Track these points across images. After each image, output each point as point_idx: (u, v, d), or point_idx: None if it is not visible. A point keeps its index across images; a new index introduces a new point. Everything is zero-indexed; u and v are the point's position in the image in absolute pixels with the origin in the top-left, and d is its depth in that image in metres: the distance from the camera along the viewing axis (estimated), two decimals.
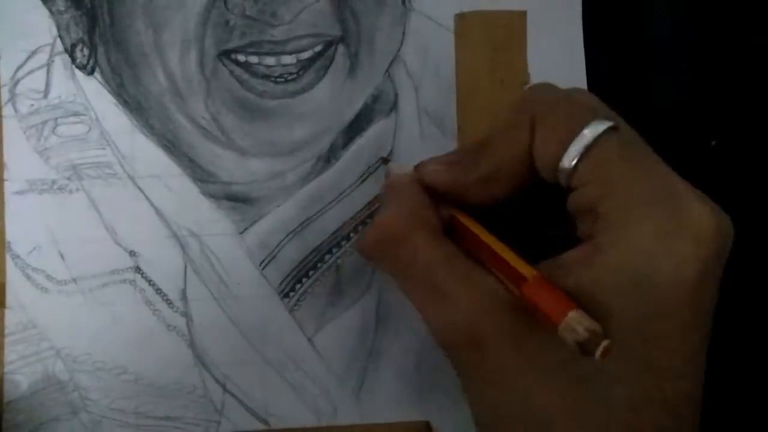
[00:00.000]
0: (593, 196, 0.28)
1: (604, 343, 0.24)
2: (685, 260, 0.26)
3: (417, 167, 0.34)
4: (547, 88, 0.32)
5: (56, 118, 0.39)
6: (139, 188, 0.38)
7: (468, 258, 0.30)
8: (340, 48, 0.39)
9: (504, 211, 0.32)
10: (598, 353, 0.23)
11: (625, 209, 0.27)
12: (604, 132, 0.28)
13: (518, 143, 0.30)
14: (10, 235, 0.38)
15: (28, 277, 0.38)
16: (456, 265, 0.29)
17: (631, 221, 0.27)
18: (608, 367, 0.26)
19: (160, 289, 0.38)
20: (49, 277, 0.38)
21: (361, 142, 0.39)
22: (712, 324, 0.27)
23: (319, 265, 0.39)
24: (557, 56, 0.40)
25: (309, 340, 0.38)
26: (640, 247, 0.26)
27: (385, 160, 0.39)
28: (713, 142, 0.39)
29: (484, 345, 0.28)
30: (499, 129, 0.32)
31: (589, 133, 0.28)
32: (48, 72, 0.39)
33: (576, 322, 0.24)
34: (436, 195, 0.32)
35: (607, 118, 0.29)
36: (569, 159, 0.28)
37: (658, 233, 0.26)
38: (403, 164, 0.35)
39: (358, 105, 0.39)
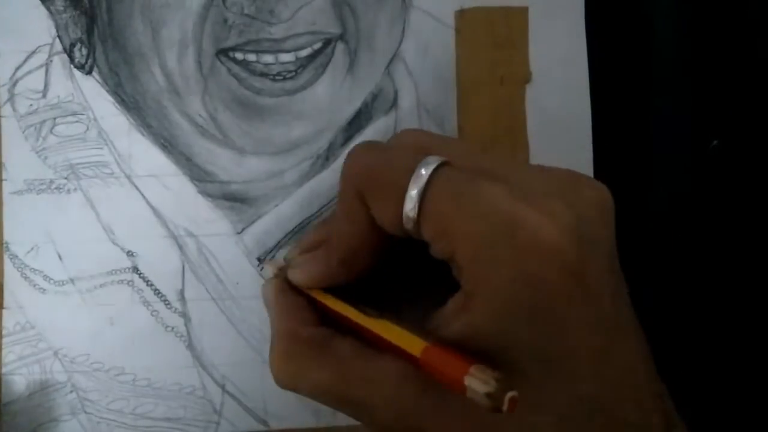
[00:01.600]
0: (444, 250, 0.27)
1: (509, 395, 0.23)
2: (546, 282, 0.25)
3: (284, 267, 0.33)
4: (361, 153, 0.30)
5: (54, 118, 0.38)
6: (137, 188, 0.38)
7: (362, 348, 0.29)
8: (339, 45, 0.39)
9: (381, 273, 0.31)
10: (504, 407, 0.23)
11: (474, 256, 0.26)
12: (434, 173, 0.27)
13: (359, 220, 0.29)
14: (7, 235, 0.38)
15: (26, 278, 0.38)
16: (350, 368, 0.28)
17: (483, 266, 0.26)
18: (530, 398, 0.25)
19: (158, 290, 0.38)
20: (46, 278, 0.38)
21: (360, 141, 0.39)
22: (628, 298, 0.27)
23: None
24: (559, 53, 0.40)
25: None
26: (499, 287, 0.26)
27: (260, 260, 0.38)
28: (714, 143, 0.39)
29: (420, 429, 0.27)
30: (338, 213, 0.31)
31: (414, 192, 0.27)
32: (46, 72, 0.39)
33: (478, 378, 0.23)
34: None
35: (434, 153, 0.28)
36: (409, 218, 0.27)
37: (511, 269, 0.25)
38: (277, 260, 0.35)
39: (357, 103, 0.39)
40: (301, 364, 0.29)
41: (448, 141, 0.31)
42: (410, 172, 0.27)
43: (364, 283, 0.31)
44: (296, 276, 0.32)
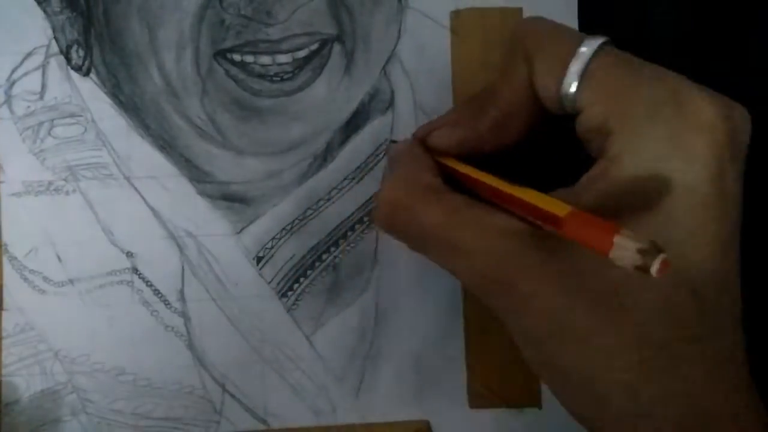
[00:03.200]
0: (600, 113, 0.28)
1: (660, 257, 0.23)
2: (696, 153, 0.26)
3: (417, 134, 0.34)
4: (536, 19, 0.32)
5: (52, 120, 0.38)
6: (136, 189, 0.38)
7: (476, 203, 0.30)
8: (336, 46, 0.39)
9: (511, 155, 0.32)
10: (654, 270, 0.23)
11: (633, 118, 0.27)
12: (600, 48, 0.28)
13: (519, 80, 0.31)
14: (6, 237, 0.38)
15: (26, 279, 0.38)
16: (463, 216, 0.29)
17: (639, 128, 0.27)
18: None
19: (158, 290, 0.38)
20: (46, 279, 0.38)
21: (357, 141, 0.39)
22: (740, 225, 0.28)
23: (316, 264, 0.39)
24: None
25: (307, 339, 0.38)
26: (653, 150, 0.27)
27: (393, 142, 0.39)
28: None
29: (510, 282, 0.28)
30: (499, 73, 0.32)
31: (586, 50, 0.28)
32: (43, 73, 0.39)
33: (625, 246, 0.23)
34: (444, 155, 0.33)
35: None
36: (570, 81, 0.28)
37: (668, 133, 0.27)
38: (406, 139, 0.36)
39: (354, 103, 0.39)
40: (416, 202, 0.30)
41: None
42: (578, 42, 0.29)
43: (493, 164, 0.31)
44: (442, 138, 0.33)
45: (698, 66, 0.40)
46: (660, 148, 0.27)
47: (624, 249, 0.23)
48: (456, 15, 0.40)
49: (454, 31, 0.40)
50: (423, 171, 0.32)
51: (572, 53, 0.29)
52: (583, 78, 0.28)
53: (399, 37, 0.40)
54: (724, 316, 0.27)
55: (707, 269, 0.27)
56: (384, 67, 0.40)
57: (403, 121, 0.39)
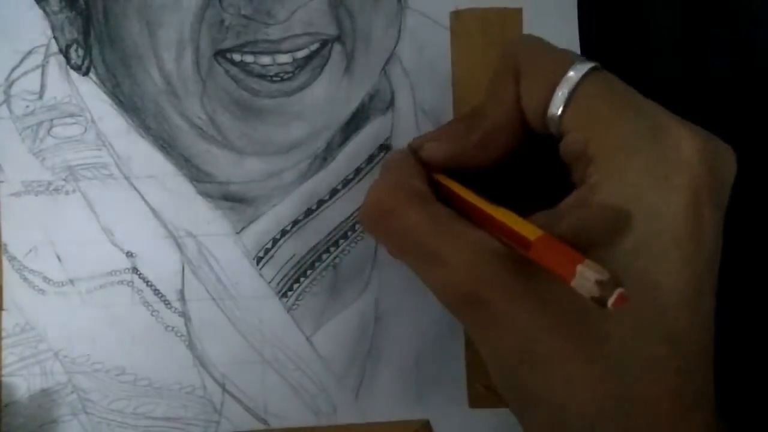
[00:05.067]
0: (583, 139, 0.28)
1: (617, 291, 0.23)
2: (673, 188, 0.26)
3: (411, 144, 0.34)
4: (529, 38, 0.32)
5: (52, 119, 0.38)
6: (136, 189, 0.38)
7: (459, 217, 0.30)
8: (336, 46, 0.39)
9: (499, 173, 0.32)
10: (610, 303, 0.23)
11: (614, 148, 0.27)
12: (588, 73, 0.28)
13: (507, 98, 0.31)
14: (6, 237, 0.38)
15: (25, 279, 0.38)
16: (445, 226, 0.29)
17: (619, 158, 0.27)
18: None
19: (158, 290, 0.38)
20: (46, 279, 0.38)
21: (357, 141, 0.39)
22: (719, 263, 0.28)
23: (316, 264, 0.39)
24: None
25: (308, 339, 0.38)
26: (630, 180, 0.27)
27: (387, 149, 0.39)
28: None
29: (483, 299, 0.28)
30: (487, 90, 0.32)
31: (573, 75, 0.28)
32: (43, 73, 0.39)
33: (586, 276, 0.23)
34: (434, 168, 0.33)
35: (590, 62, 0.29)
36: (556, 104, 0.28)
37: (646, 166, 0.27)
38: (401, 148, 0.36)
39: (354, 103, 0.39)
40: (401, 206, 0.30)
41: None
42: (568, 65, 0.29)
43: (482, 180, 0.32)
44: (431, 150, 0.33)
45: (696, 66, 0.40)
46: (638, 181, 0.27)
47: (585, 279, 0.23)
48: (456, 15, 0.40)
49: (454, 31, 0.40)
50: (412, 177, 0.32)
51: (561, 76, 0.29)
52: (568, 102, 0.28)
53: (399, 38, 0.40)
54: (695, 358, 0.27)
55: (679, 307, 0.27)
56: (384, 68, 0.40)
57: (403, 122, 0.40)
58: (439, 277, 0.30)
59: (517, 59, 0.31)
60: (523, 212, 0.29)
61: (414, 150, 0.34)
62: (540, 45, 0.31)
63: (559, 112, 0.28)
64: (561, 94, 0.28)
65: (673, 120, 0.27)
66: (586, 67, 0.29)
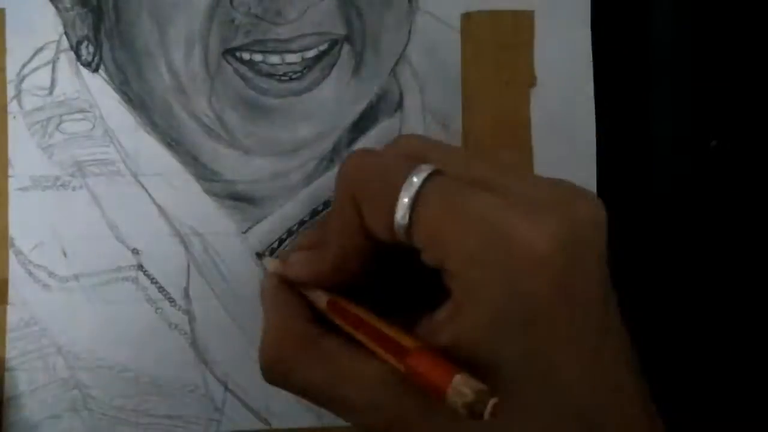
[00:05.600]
0: (435, 258, 0.27)
1: (491, 402, 0.23)
2: (536, 293, 0.25)
3: (282, 262, 0.33)
4: (359, 156, 0.30)
5: (61, 115, 0.39)
6: (143, 186, 0.38)
7: (351, 348, 0.29)
8: (345, 47, 0.39)
9: (375, 278, 0.31)
10: (486, 414, 0.23)
11: (467, 264, 0.26)
12: (426, 182, 0.27)
13: (351, 225, 0.29)
14: (13, 231, 0.38)
15: (31, 274, 0.38)
16: (340, 367, 0.29)
17: (474, 275, 0.26)
18: (517, 407, 0.25)
19: (163, 287, 0.38)
20: (51, 274, 0.38)
21: (365, 142, 0.39)
22: (614, 302, 0.27)
23: None
24: (564, 57, 0.40)
25: None
26: (490, 297, 0.26)
27: (260, 255, 0.38)
28: (713, 143, 0.39)
29: (401, 428, 0.28)
30: (331, 214, 0.31)
31: (415, 181, 0.27)
32: (53, 69, 0.39)
33: (461, 388, 0.23)
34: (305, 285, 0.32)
35: (432, 162, 0.28)
36: (400, 228, 0.27)
37: (502, 277, 0.25)
38: (276, 260, 0.35)
39: (362, 104, 0.39)
40: (291, 360, 0.30)
41: (444, 148, 0.31)
42: (403, 179, 0.27)
43: (357, 286, 0.31)
44: (292, 271, 0.32)
45: (698, 66, 0.40)
46: (498, 296, 0.26)
47: (459, 392, 0.23)
48: (466, 17, 0.40)
49: (464, 33, 0.40)
50: (294, 317, 0.31)
51: (395, 196, 0.27)
52: (411, 223, 0.27)
53: (409, 39, 0.39)
54: (608, 420, 0.27)
55: (581, 382, 0.26)
56: (393, 69, 0.39)
57: (411, 123, 0.39)
58: (354, 420, 0.29)
59: (352, 184, 0.29)
60: (410, 314, 0.28)
61: (280, 276, 0.32)
62: (369, 163, 0.30)
63: (404, 233, 0.27)
64: (400, 217, 0.27)
65: (518, 216, 0.26)
66: (420, 177, 0.27)
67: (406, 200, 0.27)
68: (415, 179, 0.27)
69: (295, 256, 0.32)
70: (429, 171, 0.27)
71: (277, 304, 0.32)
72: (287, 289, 0.32)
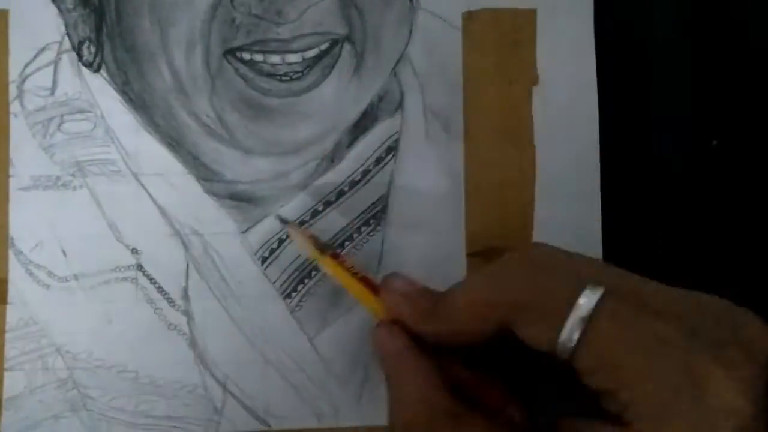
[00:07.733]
0: (604, 382, 0.27)
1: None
2: None
3: (385, 284, 0.33)
4: (511, 274, 0.30)
5: (62, 115, 0.39)
6: (143, 186, 0.38)
7: (492, 425, 0.29)
8: (346, 46, 0.39)
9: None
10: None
11: (650, 401, 0.26)
12: (599, 304, 0.27)
13: (488, 321, 0.29)
14: (13, 230, 0.38)
15: (31, 274, 0.38)
16: None
17: (659, 413, 0.26)
18: None
19: (162, 288, 0.38)
20: (50, 274, 0.38)
21: (365, 142, 0.39)
22: None
23: None
24: (566, 56, 0.39)
25: (310, 341, 0.38)
26: None
27: (284, 221, 0.38)
28: (714, 143, 0.39)
29: None
30: (464, 295, 0.30)
31: (581, 312, 0.27)
32: (55, 69, 0.39)
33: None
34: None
35: (597, 281, 0.27)
36: (565, 349, 0.27)
37: (691, 419, 0.26)
38: (303, 230, 0.35)
39: (363, 104, 0.39)
40: (435, 427, 0.29)
41: (592, 263, 0.30)
42: (569, 298, 0.27)
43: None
44: (399, 311, 0.32)
45: (699, 66, 0.40)
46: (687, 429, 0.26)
47: None
48: (468, 16, 0.39)
49: (466, 32, 0.39)
50: (436, 390, 0.30)
51: (561, 316, 0.27)
52: (578, 345, 0.27)
53: (410, 38, 0.39)
54: None
55: None
56: (394, 68, 0.39)
57: (412, 124, 0.39)
58: None
59: (503, 310, 0.29)
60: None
61: (404, 332, 0.31)
62: (526, 282, 0.29)
63: (572, 345, 0.27)
64: (571, 331, 0.26)
65: (708, 362, 0.26)
66: (595, 296, 0.27)
67: (575, 321, 0.26)
68: (584, 300, 0.27)
69: (403, 293, 0.32)
70: (600, 292, 0.27)
71: (414, 370, 0.31)
72: (419, 353, 0.31)
